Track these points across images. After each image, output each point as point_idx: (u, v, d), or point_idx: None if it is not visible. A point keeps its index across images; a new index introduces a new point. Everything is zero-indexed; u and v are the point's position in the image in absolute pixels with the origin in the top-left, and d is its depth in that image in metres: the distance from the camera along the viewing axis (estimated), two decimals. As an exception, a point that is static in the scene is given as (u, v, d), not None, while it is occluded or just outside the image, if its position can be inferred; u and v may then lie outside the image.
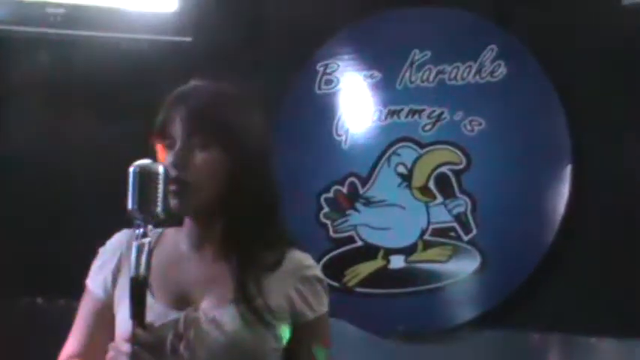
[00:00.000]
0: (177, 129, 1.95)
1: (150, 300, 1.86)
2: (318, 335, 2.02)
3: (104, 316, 2.04)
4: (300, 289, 1.99)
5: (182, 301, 1.97)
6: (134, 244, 1.81)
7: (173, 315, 1.93)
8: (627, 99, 3.54)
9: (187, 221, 2.02)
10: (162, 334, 1.88)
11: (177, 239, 2.04)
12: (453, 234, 3.79)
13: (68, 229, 4.09)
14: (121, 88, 4.05)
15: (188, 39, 4.03)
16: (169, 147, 1.96)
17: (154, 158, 1.91)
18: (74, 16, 3.90)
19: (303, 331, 1.99)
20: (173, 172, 1.89)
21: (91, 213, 3.99)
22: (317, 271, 2.05)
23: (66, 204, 4.16)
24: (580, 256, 3.61)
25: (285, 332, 1.97)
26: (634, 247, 3.52)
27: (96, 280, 2.07)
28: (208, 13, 4.05)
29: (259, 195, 1.98)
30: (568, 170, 3.62)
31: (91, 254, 2.12)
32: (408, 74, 3.91)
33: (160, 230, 2.04)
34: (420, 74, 3.89)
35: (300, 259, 2.03)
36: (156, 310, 1.91)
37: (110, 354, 1.80)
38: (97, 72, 4.05)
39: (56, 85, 4.15)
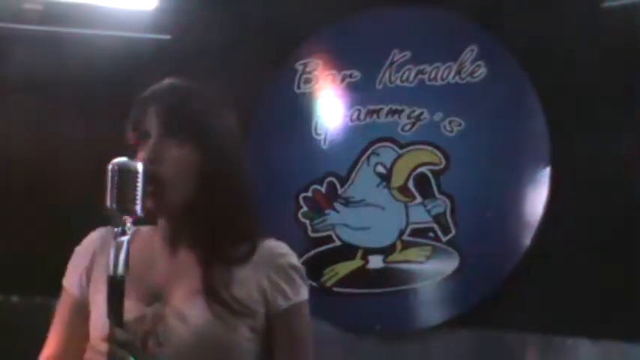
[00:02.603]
0: (152, 124, 1.93)
1: None
2: (295, 324, 1.98)
3: (82, 314, 2.01)
4: (273, 277, 1.95)
5: (153, 296, 1.95)
6: (112, 243, 1.79)
7: (143, 311, 1.92)
8: (607, 101, 3.54)
9: (160, 219, 2.01)
10: (136, 331, 1.86)
11: (150, 236, 2.03)
12: (431, 234, 3.79)
13: (45, 227, 4.06)
14: (98, 86, 4.02)
15: (167, 37, 4.02)
16: (144, 142, 1.94)
17: (132, 156, 1.89)
18: (52, 13, 3.89)
19: (278, 320, 1.95)
20: (148, 167, 1.86)
21: (68, 210, 3.96)
22: (291, 258, 2.00)
23: (42, 201, 4.12)
24: (558, 258, 3.61)
25: (260, 322, 1.93)
26: (610, 249, 3.53)
27: (71, 279, 2.06)
28: (187, 10, 4.04)
29: (232, 194, 1.96)
30: (547, 172, 3.63)
31: (69, 252, 2.10)
32: (387, 74, 3.91)
33: (135, 228, 2.02)
34: (400, 74, 3.89)
35: (274, 247, 2.00)
36: (126, 306, 1.88)
37: (88, 354, 1.78)
38: (74, 69, 4.02)
39: (32, 81, 4.11)
